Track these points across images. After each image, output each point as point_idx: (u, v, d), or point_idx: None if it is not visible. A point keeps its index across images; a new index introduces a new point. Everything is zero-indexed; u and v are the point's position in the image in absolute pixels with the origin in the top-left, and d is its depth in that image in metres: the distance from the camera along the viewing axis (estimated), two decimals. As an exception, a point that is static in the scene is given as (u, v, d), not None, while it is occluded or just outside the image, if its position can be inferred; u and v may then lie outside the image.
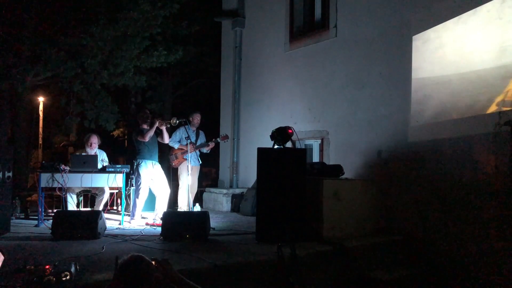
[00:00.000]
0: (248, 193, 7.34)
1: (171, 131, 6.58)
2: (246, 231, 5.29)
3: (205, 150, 6.57)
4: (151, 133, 5.95)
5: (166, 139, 6.26)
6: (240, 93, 8.86)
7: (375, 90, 6.18)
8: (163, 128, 6.13)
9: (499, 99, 4.81)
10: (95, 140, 6.25)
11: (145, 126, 6.04)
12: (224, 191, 8.05)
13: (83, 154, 6.25)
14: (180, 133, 6.45)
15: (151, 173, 6.01)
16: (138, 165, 5.99)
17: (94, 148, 6.25)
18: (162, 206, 5.95)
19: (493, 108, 4.82)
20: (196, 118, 6.55)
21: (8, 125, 11.23)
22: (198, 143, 6.52)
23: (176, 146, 6.41)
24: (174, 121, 6.13)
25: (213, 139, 6.59)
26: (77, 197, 6.28)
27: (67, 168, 5.68)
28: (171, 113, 14.92)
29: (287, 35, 7.88)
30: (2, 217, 4.84)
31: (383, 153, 5.98)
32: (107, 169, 5.83)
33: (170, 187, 6.26)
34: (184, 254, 3.85)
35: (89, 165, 5.77)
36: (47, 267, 2.86)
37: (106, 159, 6.39)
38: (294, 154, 4.93)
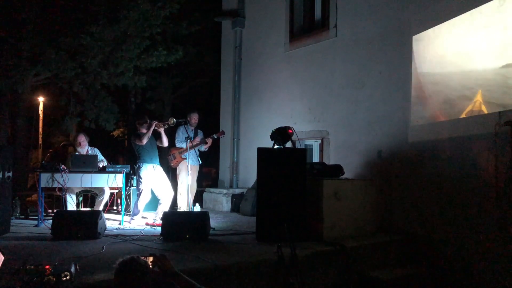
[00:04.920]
0: (248, 193, 7.34)
1: (169, 132, 6.57)
2: (246, 231, 5.29)
3: (203, 148, 6.56)
4: (149, 135, 5.95)
5: (165, 142, 6.26)
6: (240, 93, 8.85)
7: (375, 90, 6.18)
8: (161, 130, 6.12)
9: (468, 109, 5.05)
10: (82, 139, 6.29)
11: (143, 130, 6.04)
12: (224, 191, 8.05)
13: (76, 154, 6.28)
14: (180, 132, 6.45)
15: (153, 175, 6.01)
16: (139, 168, 5.99)
17: (84, 147, 6.29)
18: (164, 208, 5.96)
19: (464, 115, 5.05)
20: (194, 118, 6.54)
21: (8, 125, 11.23)
22: (196, 142, 6.51)
23: (184, 145, 6.34)
24: (172, 121, 6.12)
25: (210, 136, 6.58)
26: (77, 197, 6.29)
27: (66, 168, 5.68)
28: (171, 113, 14.93)
29: (287, 35, 7.88)
30: (2, 217, 4.84)
31: (383, 153, 5.98)
32: (107, 169, 5.84)
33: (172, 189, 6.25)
34: (184, 254, 3.84)
35: (89, 165, 5.78)
36: (47, 267, 2.85)
37: (101, 156, 6.38)
38: (294, 154, 4.93)
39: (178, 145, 6.40)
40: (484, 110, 4.89)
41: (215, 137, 6.66)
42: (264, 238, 4.58)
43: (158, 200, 6.10)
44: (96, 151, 6.40)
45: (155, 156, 6.14)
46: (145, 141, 5.92)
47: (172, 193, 6.13)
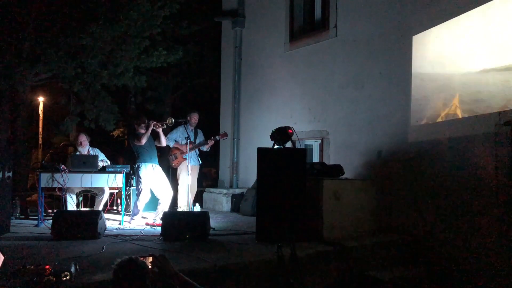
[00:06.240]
0: (248, 193, 7.33)
1: (168, 132, 6.56)
2: (246, 231, 5.29)
3: (205, 148, 6.56)
4: (147, 135, 5.96)
5: (163, 142, 6.27)
6: (240, 93, 8.86)
7: (375, 90, 6.18)
8: (159, 130, 6.13)
9: (444, 112, 5.30)
10: (83, 138, 6.33)
11: (141, 130, 6.05)
12: (224, 191, 8.05)
13: (77, 154, 6.29)
14: (179, 132, 6.45)
15: (152, 175, 6.01)
16: (138, 168, 6.00)
17: (85, 146, 6.32)
18: (164, 207, 5.96)
19: (441, 119, 5.30)
20: (194, 118, 6.55)
21: (8, 125, 11.22)
22: (197, 142, 6.52)
23: (171, 144, 6.41)
24: (170, 121, 6.13)
25: (212, 137, 6.59)
26: (77, 197, 6.29)
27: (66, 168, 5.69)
28: (171, 113, 14.93)
29: (287, 35, 7.88)
30: (2, 217, 4.84)
31: (383, 153, 5.98)
32: (107, 169, 5.84)
33: (171, 188, 6.25)
34: (184, 254, 3.85)
35: (89, 165, 5.78)
36: (47, 267, 2.85)
37: (103, 156, 6.39)
38: (294, 154, 4.93)
39: (168, 142, 6.38)
40: (459, 114, 5.12)
41: (218, 138, 6.66)
42: (264, 238, 4.58)
43: (158, 200, 6.10)
44: (97, 152, 6.41)
45: (154, 155, 6.14)
46: (144, 141, 5.93)
47: (171, 192, 6.13)
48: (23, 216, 6.38)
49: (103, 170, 5.84)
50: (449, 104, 5.22)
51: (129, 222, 5.84)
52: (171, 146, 6.45)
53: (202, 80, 15.68)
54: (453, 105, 5.23)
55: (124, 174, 5.85)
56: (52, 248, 4.10)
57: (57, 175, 5.59)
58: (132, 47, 9.88)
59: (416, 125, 5.58)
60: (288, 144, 5.15)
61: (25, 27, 9.85)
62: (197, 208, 6.32)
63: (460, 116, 5.11)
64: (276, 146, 5.14)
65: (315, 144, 7.37)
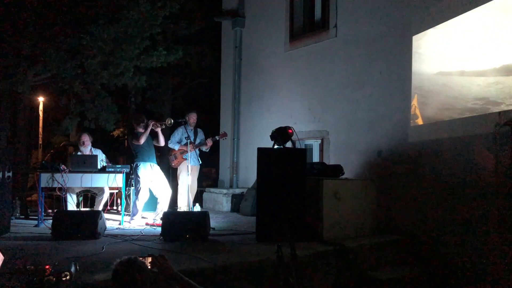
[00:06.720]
0: (248, 193, 7.33)
1: (168, 132, 6.56)
2: (246, 231, 5.28)
3: (204, 148, 6.56)
4: (146, 135, 5.96)
5: (162, 142, 6.26)
6: (240, 93, 8.85)
7: (375, 90, 6.18)
8: (158, 130, 6.13)
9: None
10: (86, 138, 6.33)
11: (140, 129, 6.05)
12: (224, 191, 8.05)
13: (78, 153, 6.29)
14: (179, 133, 6.44)
15: (150, 174, 6.01)
16: (136, 167, 6.00)
17: (87, 146, 6.32)
18: (163, 207, 5.96)
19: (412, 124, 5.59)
20: (192, 118, 6.53)
21: (8, 125, 11.23)
22: (197, 142, 6.52)
23: (176, 147, 6.40)
24: (169, 122, 6.12)
25: (211, 137, 6.58)
26: (77, 197, 6.29)
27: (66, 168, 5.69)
28: (170, 113, 14.93)
29: (287, 35, 7.88)
30: (2, 217, 4.84)
31: (383, 153, 5.98)
32: (107, 169, 5.84)
33: (171, 188, 6.25)
34: (184, 254, 3.85)
35: (89, 165, 5.78)
36: (47, 267, 2.85)
37: (104, 156, 6.40)
38: (294, 154, 4.93)
39: (169, 145, 6.41)
40: (418, 114, 5.39)
41: (217, 138, 6.65)
42: (264, 238, 4.58)
43: (157, 199, 6.10)
44: (99, 152, 6.40)
45: (152, 155, 6.15)
46: (142, 140, 5.94)
47: (170, 191, 6.13)
48: (23, 216, 6.38)
49: (103, 170, 5.84)
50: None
51: (129, 222, 5.84)
52: (176, 150, 6.43)
53: (202, 80, 15.68)
54: (412, 106, 5.42)
55: (124, 174, 5.85)
56: (52, 248, 4.10)
57: (57, 175, 5.59)
58: (132, 47, 9.89)
59: (416, 125, 5.58)
60: (288, 144, 5.15)
61: (25, 27, 9.86)
62: (197, 208, 6.31)
63: (419, 116, 5.28)
64: (276, 146, 5.14)
65: (315, 144, 7.37)
